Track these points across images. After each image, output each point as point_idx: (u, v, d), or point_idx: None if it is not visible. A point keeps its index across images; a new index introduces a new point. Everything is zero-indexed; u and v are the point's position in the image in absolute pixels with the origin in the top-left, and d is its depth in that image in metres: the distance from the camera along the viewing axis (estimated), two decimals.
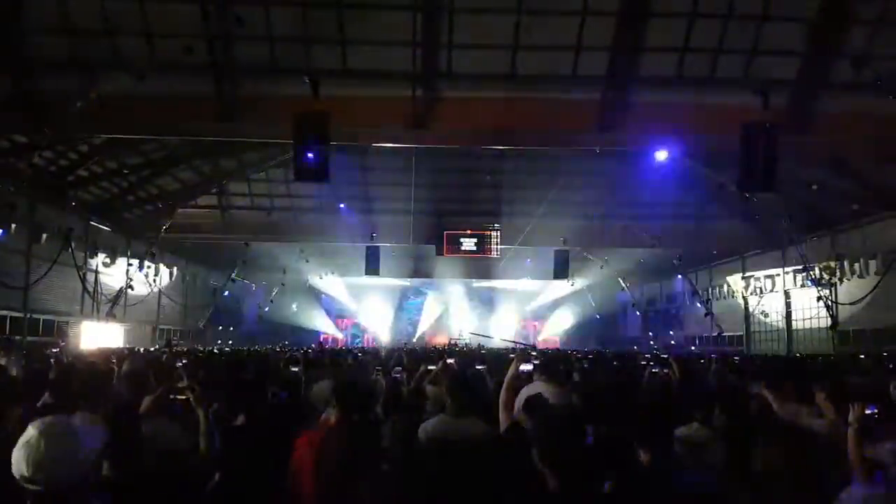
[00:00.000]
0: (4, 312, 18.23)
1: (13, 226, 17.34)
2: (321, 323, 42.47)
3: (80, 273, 21.19)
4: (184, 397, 3.43)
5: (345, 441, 3.29)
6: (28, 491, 1.81)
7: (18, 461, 1.81)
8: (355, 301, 42.50)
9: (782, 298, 25.99)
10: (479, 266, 31.05)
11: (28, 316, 19.07)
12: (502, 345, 21.38)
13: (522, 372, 4.51)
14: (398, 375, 7.06)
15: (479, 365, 8.69)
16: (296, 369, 7.20)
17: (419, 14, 12.46)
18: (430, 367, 6.92)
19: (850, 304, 20.82)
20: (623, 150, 18.77)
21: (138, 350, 15.82)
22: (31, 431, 1.84)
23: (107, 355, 9.98)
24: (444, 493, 3.67)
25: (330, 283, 38.21)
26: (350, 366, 10.15)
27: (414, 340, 40.99)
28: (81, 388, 3.84)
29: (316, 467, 3.22)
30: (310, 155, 11.18)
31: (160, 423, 3.58)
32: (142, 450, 2.93)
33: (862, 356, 13.22)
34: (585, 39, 12.80)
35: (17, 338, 17.41)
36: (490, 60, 13.16)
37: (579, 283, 34.58)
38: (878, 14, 12.32)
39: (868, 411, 3.27)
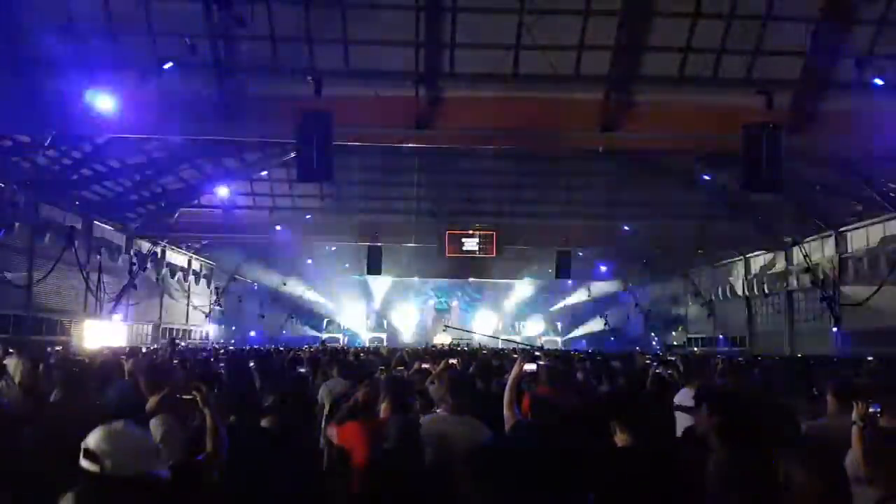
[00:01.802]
0: (8, 311, 18.25)
1: (16, 224, 17.36)
2: (323, 322, 42.46)
3: (84, 272, 21.22)
4: (190, 397, 3.42)
5: (396, 433, 3.57)
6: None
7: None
8: (356, 301, 42.47)
9: (785, 299, 25.93)
10: (481, 266, 30.98)
11: (31, 315, 19.10)
12: (504, 345, 21.38)
13: (526, 372, 4.51)
14: (398, 374, 7.09)
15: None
16: (302, 370, 7.21)
17: (422, 13, 12.45)
18: (424, 366, 6.96)
19: (854, 304, 20.77)
20: (625, 150, 18.76)
21: (141, 348, 15.84)
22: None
23: (115, 353, 10.00)
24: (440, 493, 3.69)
25: (330, 282, 38.20)
26: (352, 364, 10.15)
27: (415, 340, 40.95)
28: None
29: (370, 455, 3.43)
30: (312, 155, 11.18)
31: (166, 421, 3.59)
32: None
33: (870, 358, 13.13)
34: (588, 39, 12.78)
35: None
36: (492, 60, 13.12)
37: (577, 282, 34.65)
38: (880, 14, 12.30)
39: (872, 409, 3.26)
